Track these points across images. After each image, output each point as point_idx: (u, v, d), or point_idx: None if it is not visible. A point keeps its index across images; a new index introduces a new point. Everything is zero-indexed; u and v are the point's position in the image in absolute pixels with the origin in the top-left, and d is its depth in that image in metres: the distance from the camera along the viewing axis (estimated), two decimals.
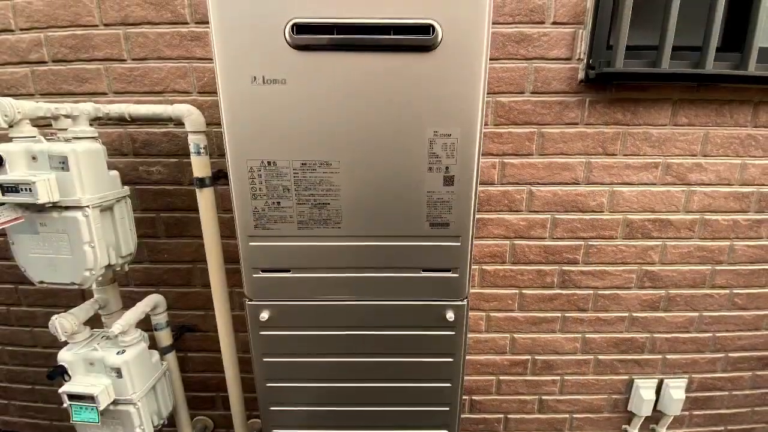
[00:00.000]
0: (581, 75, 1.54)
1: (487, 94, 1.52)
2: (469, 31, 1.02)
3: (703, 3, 1.45)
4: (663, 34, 1.44)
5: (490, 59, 1.49)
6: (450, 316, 1.24)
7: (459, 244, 1.19)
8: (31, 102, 1.21)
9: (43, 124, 1.32)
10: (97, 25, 1.51)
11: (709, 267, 1.72)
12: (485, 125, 1.57)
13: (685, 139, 1.58)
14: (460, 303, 1.25)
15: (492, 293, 1.77)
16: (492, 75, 1.53)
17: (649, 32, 1.55)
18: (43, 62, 1.57)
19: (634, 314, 1.78)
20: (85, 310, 1.44)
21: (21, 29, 1.54)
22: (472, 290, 1.76)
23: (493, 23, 1.46)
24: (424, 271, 1.22)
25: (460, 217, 1.16)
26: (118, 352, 1.38)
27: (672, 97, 1.55)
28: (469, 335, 1.81)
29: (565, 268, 1.73)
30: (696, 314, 1.78)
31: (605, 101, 1.56)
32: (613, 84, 1.54)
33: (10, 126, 1.16)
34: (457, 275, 1.22)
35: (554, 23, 1.49)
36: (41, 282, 1.26)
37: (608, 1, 1.48)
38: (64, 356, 1.39)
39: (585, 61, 1.52)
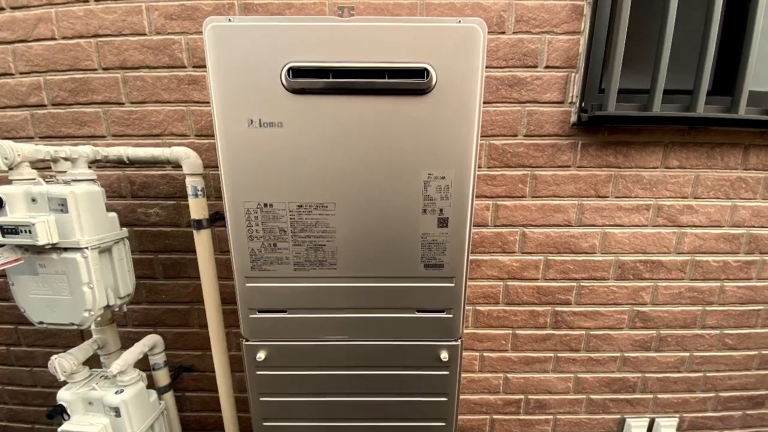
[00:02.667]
0: (574, 118, 1.46)
1: (481, 136, 1.47)
2: (463, 75, 0.98)
3: (694, 47, 1.40)
4: (654, 78, 1.37)
5: (484, 102, 1.44)
6: (444, 356, 1.20)
7: (453, 285, 1.14)
8: (30, 145, 1.16)
9: (43, 166, 1.27)
10: (95, 69, 1.46)
11: (700, 307, 1.64)
12: (479, 168, 1.51)
13: (676, 181, 1.51)
14: (454, 343, 1.20)
15: (486, 333, 1.67)
16: (485, 118, 1.45)
17: (641, 76, 1.49)
18: (43, 105, 1.51)
19: (626, 354, 1.69)
20: (84, 350, 1.39)
21: (21, 73, 1.48)
22: (466, 330, 1.66)
23: (487, 67, 1.40)
24: (418, 311, 1.17)
25: (454, 259, 1.12)
26: (116, 392, 1.34)
27: (663, 140, 1.48)
28: (463, 375, 1.71)
29: (558, 308, 1.64)
30: (687, 354, 1.70)
31: (597, 144, 1.48)
32: (605, 127, 1.46)
33: (10, 168, 1.13)
34: (451, 316, 1.17)
35: (547, 67, 1.42)
36: (41, 322, 1.22)
37: (600, 45, 1.42)
38: (63, 396, 1.34)
39: (577, 104, 1.45)
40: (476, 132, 1.03)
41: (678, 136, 1.49)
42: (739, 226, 1.56)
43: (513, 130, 1.48)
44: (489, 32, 1.40)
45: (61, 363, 1.31)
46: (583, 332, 1.67)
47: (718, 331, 1.68)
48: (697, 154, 1.50)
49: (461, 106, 1.01)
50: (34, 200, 1.13)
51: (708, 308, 1.65)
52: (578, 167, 1.51)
